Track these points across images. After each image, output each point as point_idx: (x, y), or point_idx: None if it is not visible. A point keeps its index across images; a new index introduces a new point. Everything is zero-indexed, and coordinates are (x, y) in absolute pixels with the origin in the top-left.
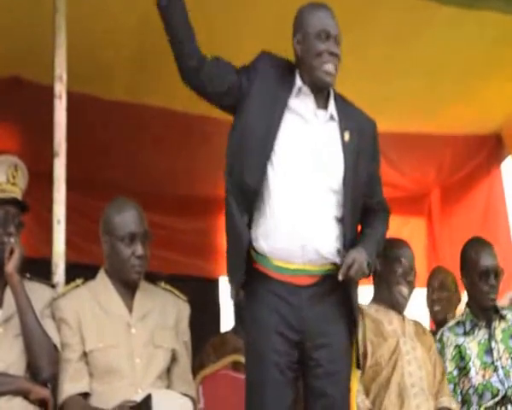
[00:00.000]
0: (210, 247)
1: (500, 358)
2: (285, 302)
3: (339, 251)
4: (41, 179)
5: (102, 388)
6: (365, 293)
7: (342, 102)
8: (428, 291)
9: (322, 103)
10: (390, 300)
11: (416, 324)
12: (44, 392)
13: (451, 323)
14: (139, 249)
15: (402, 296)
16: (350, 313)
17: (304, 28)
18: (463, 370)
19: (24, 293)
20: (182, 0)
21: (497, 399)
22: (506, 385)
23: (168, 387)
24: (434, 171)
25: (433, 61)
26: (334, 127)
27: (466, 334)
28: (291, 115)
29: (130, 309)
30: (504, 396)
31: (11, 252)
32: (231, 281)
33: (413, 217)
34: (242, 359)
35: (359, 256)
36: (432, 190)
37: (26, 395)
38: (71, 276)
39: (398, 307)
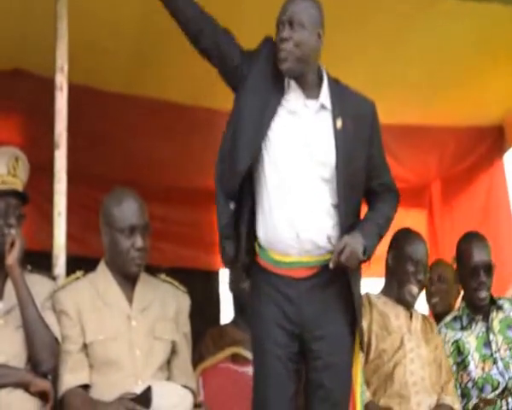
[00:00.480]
0: (210, 239)
1: (499, 350)
2: (283, 296)
3: (329, 238)
4: (42, 171)
5: (103, 380)
6: (377, 284)
7: (337, 88)
8: (427, 284)
9: (313, 93)
10: (399, 296)
11: (425, 321)
12: (45, 384)
13: (448, 318)
14: (139, 242)
15: (411, 295)
16: (350, 305)
17: None
18: (461, 364)
19: (25, 285)
20: None
21: (497, 391)
22: (506, 377)
23: (168, 379)
24: (435, 162)
25: (435, 53)
26: (327, 116)
27: (463, 329)
28: (283, 107)
29: (131, 301)
30: (505, 388)
31: (12, 244)
32: (229, 268)
33: (414, 209)
34: (242, 351)
35: (352, 241)
36: (433, 181)
37: (26, 387)
38: (71, 268)
39: (406, 304)
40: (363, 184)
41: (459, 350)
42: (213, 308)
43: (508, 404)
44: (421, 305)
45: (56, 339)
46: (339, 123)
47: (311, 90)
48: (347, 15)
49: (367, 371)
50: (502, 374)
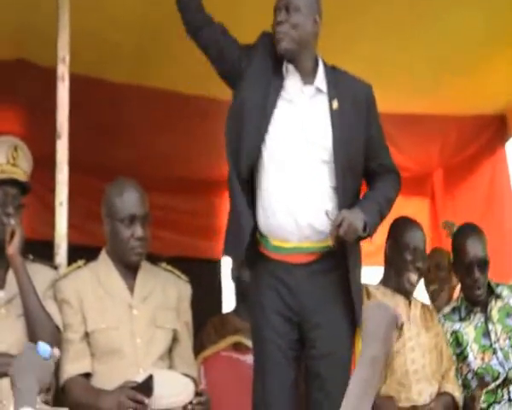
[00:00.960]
0: (212, 228)
1: (498, 340)
2: (282, 283)
3: (327, 212)
4: (44, 161)
5: (104, 368)
6: (376, 274)
7: (333, 73)
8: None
9: (310, 79)
10: (398, 285)
11: (425, 309)
12: None
13: (447, 309)
14: (139, 231)
15: (410, 283)
16: (349, 293)
17: None
18: (461, 355)
19: (26, 274)
20: None
21: (498, 382)
22: (506, 367)
23: (170, 367)
24: (437, 151)
25: (437, 42)
26: (323, 99)
27: (462, 320)
28: (282, 98)
29: (132, 290)
30: (505, 379)
31: (12, 234)
32: (232, 258)
33: (416, 197)
34: (243, 339)
35: (350, 215)
36: (435, 170)
37: None
38: (73, 257)
39: (405, 293)
40: (362, 167)
41: (458, 341)
42: (215, 297)
43: (509, 393)
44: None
45: (57, 328)
46: (335, 104)
47: (307, 76)
48: (350, 2)
49: None
50: (502, 364)
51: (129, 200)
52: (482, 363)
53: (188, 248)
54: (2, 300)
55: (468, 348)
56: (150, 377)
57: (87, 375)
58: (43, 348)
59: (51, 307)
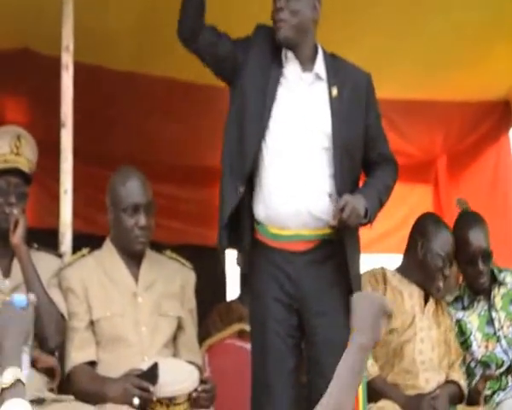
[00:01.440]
0: (216, 216)
1: (502, 327)
2: (282, 271)
3: (330, 195)
4: (49, 150)
5: (109, 356)
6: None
7: (333, 60)
8: None
9: (309, 66)
10: (423, 285)
11: (438, 302)
12: (51, 361)
13: (450, 298)
14: (142, 220)
15: (437, 290)
16: (348, 281)
17: None
18: (464, 344)
19: (30, 263)
20: None
21: (502, 369)
22: (510, 355)
23: (174, 355)
24: (441, 138)
25: (441, 29)
26: (322, 86)
27: (465, 309)
28: (281, 86)
29: (137, 278)
30: (509, 366)
31: (16, 223)
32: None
33: (420, 184)
34: (248, 327)
35: (353, 199)
36: (439, 157)
37: (33, 363)
38: (78, 246)
39: (431, 294)
40: (361, 155)
41: (461, 330)
42: (219, 285)
43: None
44: None
45: (62, 315)
46: (334, 91)
47: (307, 63)
48: None
49: (375, 345)
50: (506, 352)
51: (132, 189)
52: (486, 351)
53: (192, 236)
54: (7, 288)
55: (472, 336)
56: (155, 365)
57: (92, 363)
58: (19, 298)
59: (56, 295)
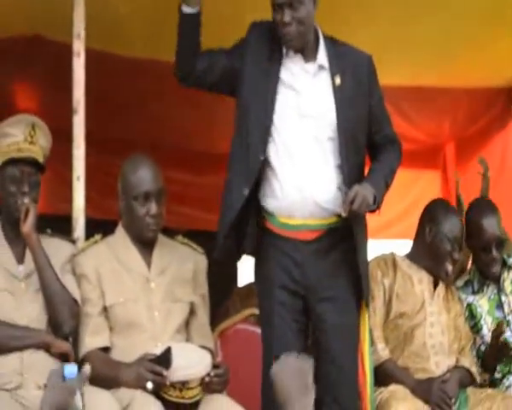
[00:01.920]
0: None
1: (511, 311)
2: (289, 258)
3: (339, 188)
4: (61, 137)
5: (123, 342)
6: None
7: (334, 46)
8: None
9: (312, 54)
10: (431, 270)
11: (448, 288)
12: (65, 346)
13: (460, 283)
14: (153, 208)
15: (447, 274)
16: (355, 269)
17: None
18: (474, 328)
19: (42, 251)
20: (200, 15)
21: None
22: None
23: (187, 340)
24: (449, 124)
25: (449, 15)
26: (325, 75)
27: (475, 293)
28: (283, 82)
29: (149, 264)
30: None
31: (26, 212)
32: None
33: (428, 170)
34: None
35: (362, 189)
36: (446, 143)
37: (47, 348)
38: (91, 231)
39: (440, 279)
40: (366, 138)
41: (472, 314)
42: (231, 269)
43: None
44: None
45: (76, 301)
46: (337, 80)
47: (309, 52)
48: None
49: (386, 329)
50: None
51: (143, 177)
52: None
53: (205, 221)
54: (21, 274)
55: (482, 320)
56: (168, 350)
57: (106, 349)
58: (68, 369)
59: (69, 281)
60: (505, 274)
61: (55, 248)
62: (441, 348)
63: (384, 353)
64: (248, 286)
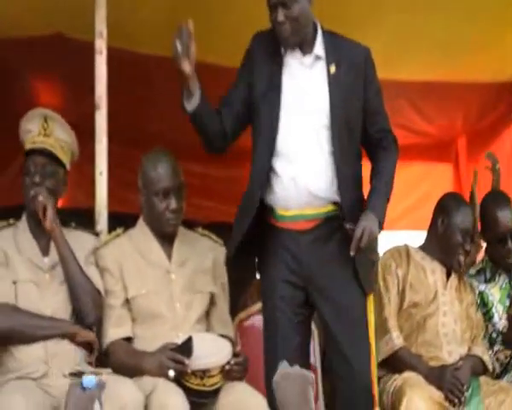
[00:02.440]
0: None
1: None
2: (287, 250)
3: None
4: (83, 133)
5: (145, 332)
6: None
7: (332, 38)
8: None
9: (308, 48)
10: (443, 259)
11: (460, 279)
12: (90, 335)
13: (473, 271)
14: (173, 203)
15: (459, 265)
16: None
17: None
18: (486, 315)
19: (66, 244)
20: (204, 101)
21: None
22: None
23: (207, 330)
24: (461, 118)
25: (460, 11)
26: (321, 65)
27: (487, 281)
28: (284, 82)
29: (170, 256)
30: None
31: (44, 209)
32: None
33: (441, 163)
34: None
35: (368, 224)
36: (458, 137)
37: (72, 338)
38: (113, 225)
39: (453, 269)
40: (361, 130)
41: (483, 302)
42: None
43: None
44: None
45: (99, 292)
46: (332, 68)
47: (307, 46)
48: None
49: (400, 318)
50: None
51: (163, 173)
52: (507, 323)
53: (223, 214)
54: (46, 266)
55: (494, 308)
56: (189, 339)
57: (129, 339)
58: (87, 380)
59: (93, 273)
60: None
61: (79, 241)
62: (454, 336)
63: (398, 341)
64: None
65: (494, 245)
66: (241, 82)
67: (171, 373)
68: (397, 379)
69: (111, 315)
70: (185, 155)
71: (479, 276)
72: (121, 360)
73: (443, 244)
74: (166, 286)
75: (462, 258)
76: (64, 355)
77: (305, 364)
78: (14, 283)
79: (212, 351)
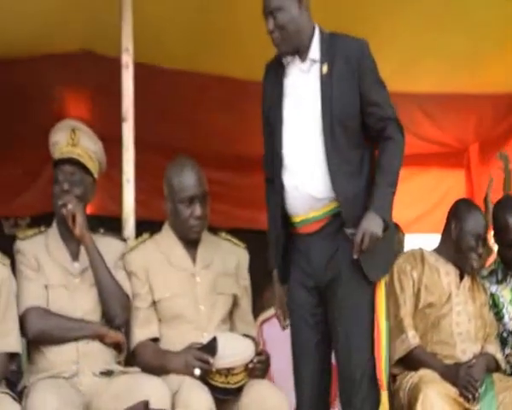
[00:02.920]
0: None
1: None
2: (301, 254)
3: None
4: (110, 143)
5: (171, 333)
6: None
7: (330, 38)
8: None
9: (305, 54)
10: (457, 262)
11: (474, 280)
12: (119, 336)
13: (485, 272)
14: (198, 210)
15: (471, 268)
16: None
17: None
18: (497, 316)
19: (96, 249)
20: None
21: None
22: None
23: (231, 330)
24: (473, 128)
25: (472, 28)
26: (316, 67)
27: (498, 282)
28: (286, 95)
29: (194, 259)
30: None
31: (73, 217)
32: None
33: (454, 169)
34: None
35: (369, 226)
36: (471, 144)
37: (101, 338)
38: (140, 230)
39: (466, 272)
40: (359, 124)
41: (494, 303)
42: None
43: None
44: None
45: (127, 295)
46: (324, 68)
47: (305, 51)
48: None
49: (415, 318)
50: None
51: (187, 181)
52: None
53: (244, 219)
54: (76, 270)
55: (504, 309)
56: (214, 339)
57: (155, 339)
58: None
59: (121, 277)
60: None
61: (108, 247)
62: (468, 335)
63: (414, 340)
64: None
65: (504, 250)
66: (265, 125)
67: (197, 372)
68: (413, 376)
69: (138, 317)
70: (207, 163)
71: (491, 277)
72: (148, 360)
73: (456, 248)
74: (191, 289)
75: (474, 262)
76: (94, 355)
77: (326, 361)
78: (46, 287)
79: (235, 350)
